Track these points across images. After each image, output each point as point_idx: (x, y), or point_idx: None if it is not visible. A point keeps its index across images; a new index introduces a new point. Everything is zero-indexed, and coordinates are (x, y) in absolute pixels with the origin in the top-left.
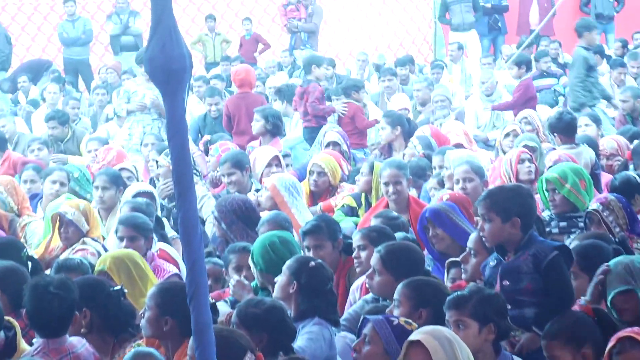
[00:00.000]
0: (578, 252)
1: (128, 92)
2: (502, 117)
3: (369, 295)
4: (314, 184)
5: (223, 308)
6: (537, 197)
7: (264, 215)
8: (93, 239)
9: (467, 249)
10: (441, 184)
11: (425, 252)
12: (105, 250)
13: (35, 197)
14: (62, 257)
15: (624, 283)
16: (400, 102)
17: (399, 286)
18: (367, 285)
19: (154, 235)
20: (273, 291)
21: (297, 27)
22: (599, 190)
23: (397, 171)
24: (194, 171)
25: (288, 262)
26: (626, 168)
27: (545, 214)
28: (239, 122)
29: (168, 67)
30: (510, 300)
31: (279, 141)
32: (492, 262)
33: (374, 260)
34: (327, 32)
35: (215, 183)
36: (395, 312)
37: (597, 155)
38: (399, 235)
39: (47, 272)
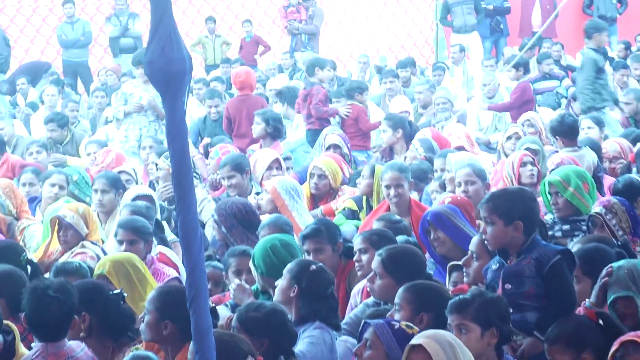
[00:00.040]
0: (581, 256)
1: (125, 94)
2: (504, 120)
3: (370, 299)
4: (314, 186)
5: (223, 312)
6: (539, 200)
7: (265, 218)
8: (92, 242)
9: (469, 253)
10: (443, 187)
11: (427, 255)
12: (105, 253)
13: (34, 200)
14: (61, 260)
15: (625, 288)
16: (402, 104)
17: (400, 290)
18: (368, 289)
19: (154, 239)
20: (274, 295)
21: (297, 29)
22: (602, 193)
23: (399, 174)
24: (194, 174)
25: (289, 266)
26: (629, 171)
27: (548, 217)
28: (239, 124)
29: (168, 70)
30: (512, 304)
31: (279, 144)
32: (494, 266)
33: (375, 263)
34: (327, 34)
35: (215, 186)
36: (397, 316)
37: (600, 158)
38: (400, 238)
39: (46, 275)
